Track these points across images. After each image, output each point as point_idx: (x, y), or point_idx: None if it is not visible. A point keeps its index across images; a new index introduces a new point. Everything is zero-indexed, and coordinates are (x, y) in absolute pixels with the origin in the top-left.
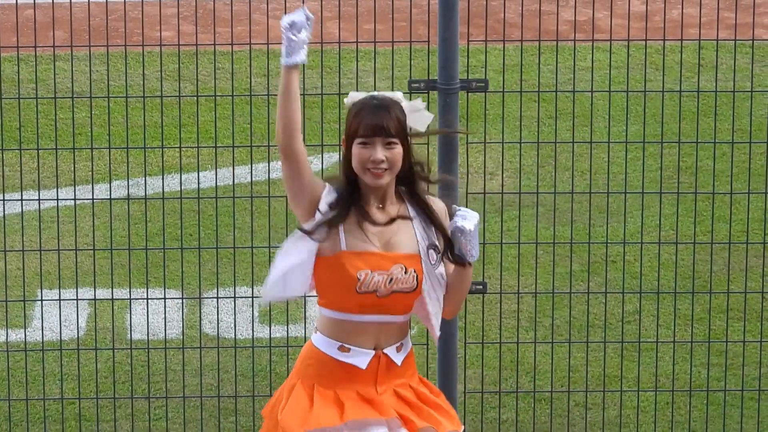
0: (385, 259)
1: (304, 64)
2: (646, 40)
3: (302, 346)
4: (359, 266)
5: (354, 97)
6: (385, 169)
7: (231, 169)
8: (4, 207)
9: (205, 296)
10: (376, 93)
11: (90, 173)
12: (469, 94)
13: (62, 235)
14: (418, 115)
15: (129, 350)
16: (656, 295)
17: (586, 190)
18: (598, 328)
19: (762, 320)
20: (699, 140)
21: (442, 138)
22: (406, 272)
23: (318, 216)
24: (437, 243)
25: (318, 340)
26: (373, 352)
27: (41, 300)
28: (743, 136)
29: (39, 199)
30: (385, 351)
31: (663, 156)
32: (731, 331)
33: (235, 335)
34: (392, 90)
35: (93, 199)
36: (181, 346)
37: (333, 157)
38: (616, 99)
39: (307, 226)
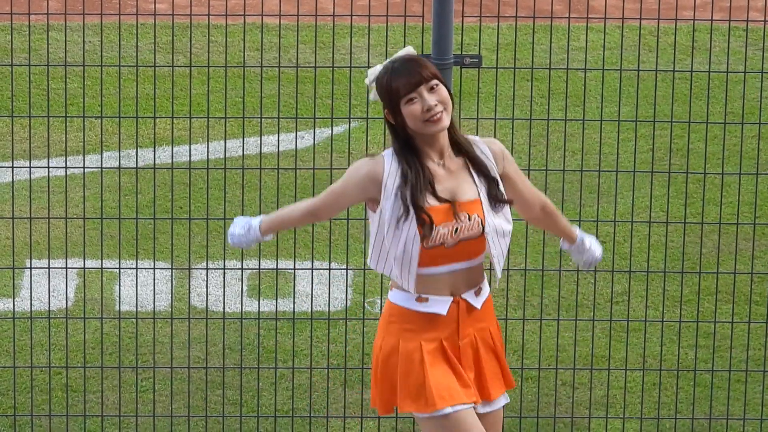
0: (447, 211)
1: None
2: (640, 20)
3: (291, 320)
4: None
5: (375, 71)
6: (442, 111)
7: (222, 142)
8: None
9: (195, 268)
10: (392, 58)
11: (81, 143)
12: (463, 71)
13: (52, 205)
14: None
15: (117, 321)
16: (645, 275)
17: (578, 169)
18: (586, 308)
19: (750, 302)
20: (691, 121)
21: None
22: (470, 219)
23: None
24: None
25: (395, 296)
26: (451, 299)
27: (30, 268)
28: (735, 119)
29: (30, 167)
30: (463, 296)
31: (655, 137)
32: (719, 312)
33: (224, 308)
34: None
35: (84, 168)
36: (169, 317)
37: (324, 132)
38: (609, 80)
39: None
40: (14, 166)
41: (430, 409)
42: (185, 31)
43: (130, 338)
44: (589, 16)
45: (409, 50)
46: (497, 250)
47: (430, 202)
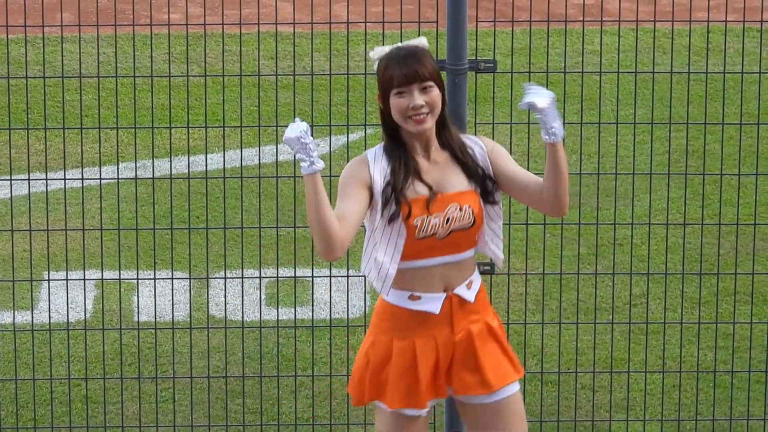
0: (438, 201)
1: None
2: (654, 22)
3: (310, 328)
4: (415, 213)
5: (380, 51)
6: (427, 113)
7: (239, 151)
8: (11, 188)
9: (213, 277)
10: (400, 44)
11: (97, 155)
12: (478, 76)
13: (69, 216)
14: None
15: (136, 331)
16: (663, 277)
17: (594, 172)
18: (605, 311)
19: None
20: (707, 123)
21: (451, 120)
22: (461, 209)
23: (378, 198)
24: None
25: (389, 294)
26: (444, 295)
27: (48, 280)
28: (751, 120)
29: (46, 179)
30: (456, 291)
31: (671, 139)
32: (738, 313)
33: (242, 317)
34: None
35: (101, 179)
36: (188, 327)
37: (340, 140)
38: (624, 82)
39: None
40: (30, 178)
41: (420, 406)
42: (199, 40)
43: (149, 349)
44: (603, 19)
45: (422, 41)
46: (490, 237)
47: (419, 191)
